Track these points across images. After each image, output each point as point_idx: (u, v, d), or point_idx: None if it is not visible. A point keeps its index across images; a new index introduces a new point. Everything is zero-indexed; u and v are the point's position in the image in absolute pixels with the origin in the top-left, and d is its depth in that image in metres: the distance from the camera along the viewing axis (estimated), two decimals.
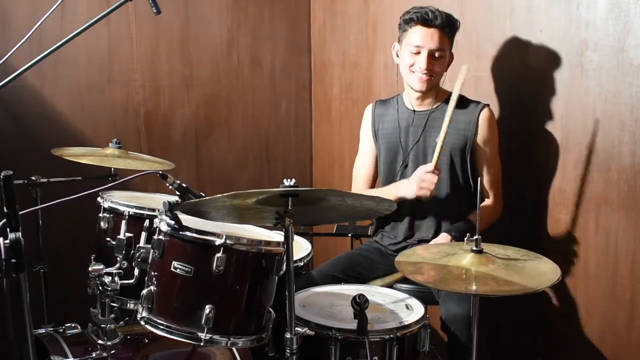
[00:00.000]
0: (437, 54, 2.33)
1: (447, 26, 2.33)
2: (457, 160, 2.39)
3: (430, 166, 2.28)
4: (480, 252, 1.74)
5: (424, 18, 2.31)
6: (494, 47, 2.57)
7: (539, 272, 1.71)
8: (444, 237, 2.32)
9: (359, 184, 2.64)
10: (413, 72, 2.37)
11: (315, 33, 3.61)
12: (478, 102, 2.41)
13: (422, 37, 2.32)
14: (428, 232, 2.44)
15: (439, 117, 2.40)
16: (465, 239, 1.80)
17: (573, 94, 2.30)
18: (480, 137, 2.38)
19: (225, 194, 1.61)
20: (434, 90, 2.43)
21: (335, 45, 3.49)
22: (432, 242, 2.35)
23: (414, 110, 2.47)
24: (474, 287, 1.63)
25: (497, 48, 2.56)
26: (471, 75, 2.66)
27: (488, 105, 2.41)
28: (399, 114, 2.49)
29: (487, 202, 2.42)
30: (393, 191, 2.40)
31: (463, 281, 1.68)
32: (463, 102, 2.42)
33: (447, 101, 2.38)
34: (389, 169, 2.52)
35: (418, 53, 2.34)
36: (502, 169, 2.43)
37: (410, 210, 2.44)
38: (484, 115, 2.38)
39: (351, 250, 2.63)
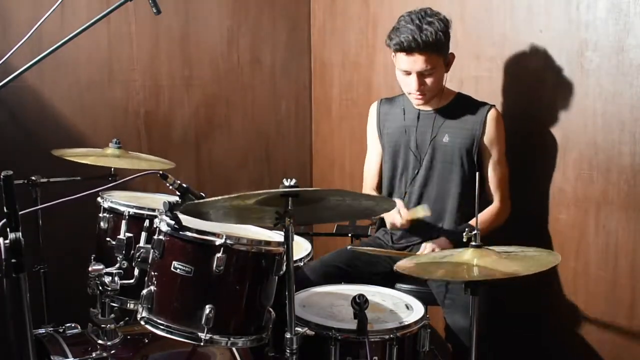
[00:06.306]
0: (426, 73, 2.31)
1: (429, 47, 2.24)
2: (465, 159, 2.38)
3: (404, 214, 2.33)
4: (479, 247, 1.74)
5: (404, 48, 2.26)
6: (494, 47, 2.57)
7: (539, 257, 1.74)
8: (443, 241, 2.31)
9: (368, 182, 2.66)
10: (408, 91, 2.38)
11: (315, 33, 3.61)
12: (485, 103, 2.41)
13: (407, 64, 2.30)
14: (429, 232, 2.42)
15: (444, 116, 2.41)
16: (464, 233, 1.79)
17: (573, 94, 2.30)
18: (488, 137, 2.37)
19: (225, 197, 1.61)
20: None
21: (335, 45, 3.49)
22: (430, 242, 2.31)
23: (419, 110, 2.46)
24: (475, 273, 1.65)
25: (497, 48, 2.56)
26: (471, 75, 2.66)
27: (495, 106, 2.40)
28: (405, 114, 2.49)
29: (492, 207, 2.41)
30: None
31: (464, 271, 1.69)
32: (469, 103, 2.42)
33: (454, 100, 2.43)
34: (392, 168, 2.53)
35: (408, 74, 2.32)
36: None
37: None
38: (491, 115, 2.37)
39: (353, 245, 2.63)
